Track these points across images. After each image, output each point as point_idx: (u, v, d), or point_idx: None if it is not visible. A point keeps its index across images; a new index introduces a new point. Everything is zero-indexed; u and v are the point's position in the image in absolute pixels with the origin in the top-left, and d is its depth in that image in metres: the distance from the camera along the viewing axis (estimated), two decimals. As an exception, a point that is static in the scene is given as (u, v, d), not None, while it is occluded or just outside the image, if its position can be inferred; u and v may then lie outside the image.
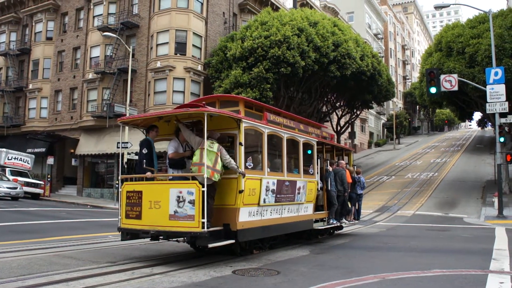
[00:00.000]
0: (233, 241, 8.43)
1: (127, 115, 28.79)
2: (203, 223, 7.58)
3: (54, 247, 10.01)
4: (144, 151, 8.66)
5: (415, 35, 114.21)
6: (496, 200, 21.90)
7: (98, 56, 34.96)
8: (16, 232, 12.88)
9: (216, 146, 8.24)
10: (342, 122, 45.90)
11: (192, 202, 7.65)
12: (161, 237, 8.56)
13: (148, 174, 8.45)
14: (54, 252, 9.31)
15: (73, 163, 35.35)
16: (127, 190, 8.55)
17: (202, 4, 33.25)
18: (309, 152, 11.95)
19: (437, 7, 24.94)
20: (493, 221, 19.57)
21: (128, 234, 8.57)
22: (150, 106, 31.27)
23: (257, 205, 9.07)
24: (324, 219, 12.87)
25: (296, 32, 29.29)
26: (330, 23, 32.87)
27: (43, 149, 36.39)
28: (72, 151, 35.38)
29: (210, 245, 7.90)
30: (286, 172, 10.30)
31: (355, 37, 35.51)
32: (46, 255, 8.82)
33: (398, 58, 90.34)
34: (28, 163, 32.62)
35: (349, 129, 53.79)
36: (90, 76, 34.93)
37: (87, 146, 34.18)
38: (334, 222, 13.03)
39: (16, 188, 27.16)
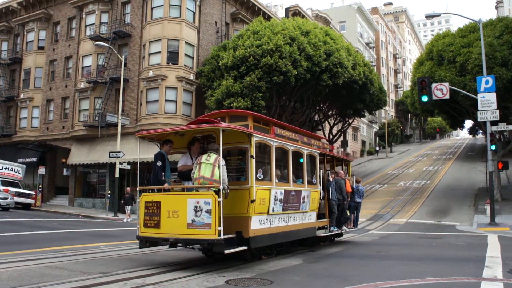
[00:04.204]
0: (245, 247, 8.95)
1: (119, 124, 28.77)
2: (219, 231, 8.00)
3: (45, 258, 9.89)
4: (159, 163, 9.10)
5: (406, 44, 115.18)
6: (488, 207, 21.99)
7: (90, 66, 34.84)
8: (6, 243, 12.74)
9: (213, 158, 8.56)
10: (334, 130, 45.98)
11: (209, 212, 8.09)
12: (179, 244, 9.06)
13: (166, 185, 8.88)
14: (45, 263, 9.20)
15: (64, 173, 35.10)
16: (145, 201, 8.96)
17: (194, 13, 33.33)
18: (312, 163, 12.56)
19: (428, 17, 25.03)
20: (486, 228, 19.64)
21: (148, 242, 9.08)
22: (142, 115, 31.17)
23: (266, 213, 9.65)
24: (326, 226, 13.65)
25: (288, 41, 29.40)
26: (322, 32, 33.06)
27: (35, 159, 36.09)
28: (64, 160, 35.17)
29: (226, 251, 8.33)
30: (292, 182, 10.90)
31: (347, 46, 35.73)
32: (37, 267, 8.72)
33: (390, 67, 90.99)
34: (19, 173, 32.26)
35: (342, 138, 53.94)
36: (82, 85, 34.81)
37: (79, 155, 33.99)
38: (335, 229, 13.80)
39: (6, 198, 26.89)
